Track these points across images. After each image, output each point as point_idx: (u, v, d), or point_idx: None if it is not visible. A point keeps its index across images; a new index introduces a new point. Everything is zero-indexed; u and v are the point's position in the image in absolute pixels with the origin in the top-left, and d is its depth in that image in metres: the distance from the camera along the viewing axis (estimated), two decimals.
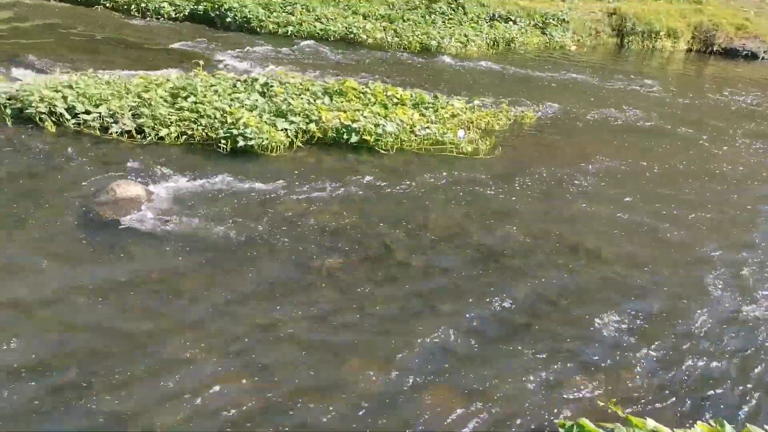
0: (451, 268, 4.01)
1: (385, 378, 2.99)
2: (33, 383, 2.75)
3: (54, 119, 5.57)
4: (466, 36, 11.88)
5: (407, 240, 4.30)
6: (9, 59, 7.38)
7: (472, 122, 6.70)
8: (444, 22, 12.66)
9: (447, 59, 10.33)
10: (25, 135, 5.37)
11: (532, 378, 3.08)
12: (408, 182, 5.16)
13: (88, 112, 5.62)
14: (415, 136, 6.05)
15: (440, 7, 13.06)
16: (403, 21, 12.35)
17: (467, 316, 3.54)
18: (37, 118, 5.54)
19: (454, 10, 13.14)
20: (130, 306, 3.33)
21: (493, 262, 4.13)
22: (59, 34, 9.32)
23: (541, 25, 13.45)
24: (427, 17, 12.72)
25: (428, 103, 6.97)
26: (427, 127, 6.18)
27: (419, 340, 3.27)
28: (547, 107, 7.79)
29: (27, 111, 5.61)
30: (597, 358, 3.28)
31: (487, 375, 3.08)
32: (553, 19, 13.57)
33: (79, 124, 5.57)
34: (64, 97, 5.76)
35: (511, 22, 13.23)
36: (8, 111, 5.63)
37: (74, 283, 3.47)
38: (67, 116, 5.60)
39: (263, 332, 3.25)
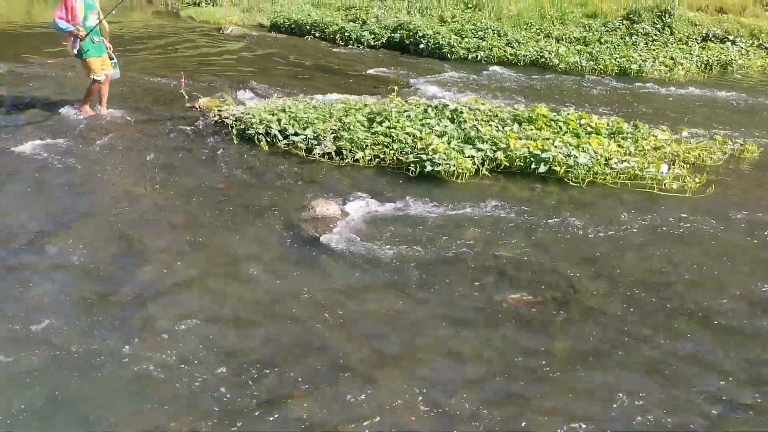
0: (649, 322, 3.62)
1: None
2: (236, 386, 3.08)
3: (268, 139, 6.28)
4: (672, 59, 10.86)
5: (598, 283, 4.00)
6: (237, 84, 8.53)
7: (678, 156, 6.05)
8: (647, 43, 11.75)
9: (649, 84, 9.53)
10: (245, 152, 6.13)
11: None
12: (601, 219, 4.82)
13: (297, 134, 6.24)
14: (611, 169, 5.65)
15: (643, 28, 12.15)
16: (600, 44, 11.72)
17: (655, 374, 3.16)
18: (256, 138, 6.29)
19: (659, 31, 12.12)
20: (322, 319, 3.58)
21: (701, 320, 3.64)
22: (276, 62, 10.56)
23: (767, 45, 11.78)
24: (627, 39, 11.92)
25: (627, 132, 6.48)
26: (625, 160, 5.73)
27: (607, 395, 3.00)
28: None
29: (248, 131, 6.41)
30: None
31: None
32: None
33: (288, 144, 6.20)
34: (279, 120, 6.47)
35: (728, 43, 11.80)
36: (234, 131, 6.49)
37: (275, 293, 3.83)
38: (280, 137, 6.28)
39: (441, 363, 3.24)
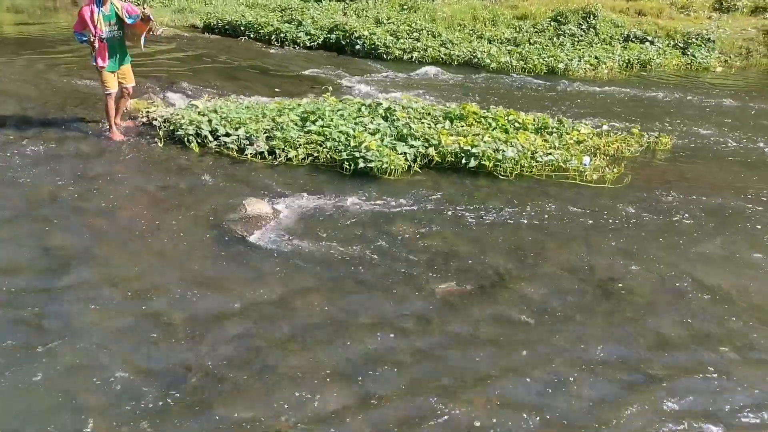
0: (568, 303, 3.80)
1: (493, 415, 2.89)
2: (153, 391, 3.01)
3: (199, 140, 6.16)
4: (596, 58, 11.40)
5: (523, 270, 4.16)
6: (167, 86, 8.31)
7: (599, 148, 6.37)
8: (573, 44, 12.26)
9: (575, 83, 9.95)
10: (174, 154, 5.99)
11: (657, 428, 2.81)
12: (526, 210, 5.01)
13: (228, 135, 6.15)
14: (536, 162, 5.88)
15: (570, 29, 12.66)
16: (530, 44, 12.14)
17: (584, 354, 3.32)
18: (186, 140, 6.16)
19: (584, 32, 12.67)
20: (253, 316, 3.55)
21: (616, 300, 3.86)
22: (208, 63, 10.35)
23: (682, 45, 12.56)
24: (555, 39, 12.39)
25: (552, 127, 6.76)
26: (549, 153, 5.98)
27: (533, 376, 3.13)
28: (685, 133, 7.20)
29: (177, 133, 6.26)
30: (728, 408, 2.92)
31: (604, 417, 2.86)
32: (697, 39, 12.60)
33: (219, 145, 6.10)
34: (209, 121, 6.36)
35: (647, 43, 12.47)
36: (161, 132, 6.33)
37: (200, 293, 3.77)
38: (210, 138, 6.17)
39: (372, 357, 3.29)
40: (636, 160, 6.27)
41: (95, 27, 5.75)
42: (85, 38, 5.84)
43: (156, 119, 6.61)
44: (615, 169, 5.79)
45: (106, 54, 5.92)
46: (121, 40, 6.04)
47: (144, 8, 5.93)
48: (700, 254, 4.43)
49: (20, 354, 3.16)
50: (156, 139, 6.26)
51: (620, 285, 4.01)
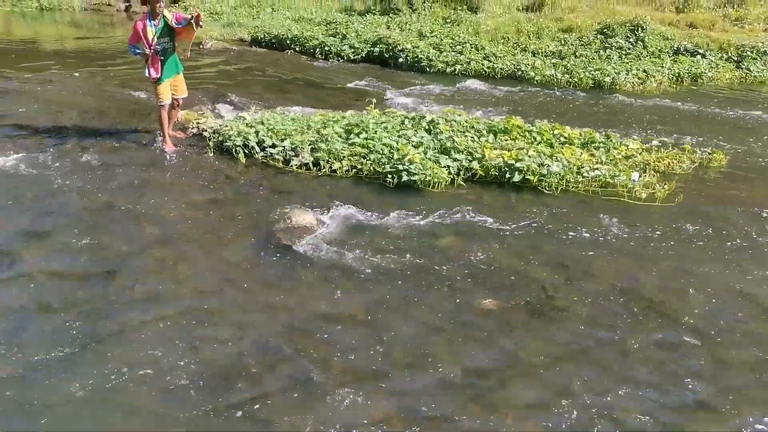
0: (616, 324, 3.70)
1: None
2: (200, 395, 3.08)
3: (246, 151, 6.31)
4: (645, 71, 11.13)
5: (569, 288, 4.07)
6: (216, 97, 8.55)
7: (648, 164, 6.20)
8: (620, 57, 12.01)
9: (622, 96, 9.75)
10: (223, 164, 6.15)
11: None
12: (572, 226, 4.92)
13: (274, 146, 6.28)
14: (583, 177, 5.77)
15: (617, 42, 12.42)
16: (575, 57, 11.97)
17: (633, 377, 3.23)
18: (234, 150, 6.32)
19: (632, 45, 12.41)
20: (295, 325, 3.60)
21: (667, 323, 3.73)
22: (255, 76, 10.60)
23: (735, 58, 12.14)
24: (601, 53, 12.18)
25: (599, 142, 6.63)
26: (596, 168, 5.86)
27: (578, 395, 3.06)
28: (740, 150, 6.95)
29: (226, 143, 6.43)
30: None
31: None
32: (752, 52, 12.16)
33: (266, 156, 6.24)
34: (257, 132, 6.51)
35: (699, 56, 12.12)
36: (210, 143, 6.51)
37: (246, 299, 3.85)
38: (257, 149, 6.31)
39: (415, 369, 3.28)
40: (688, 177, 6.07)
41: (148, 40, 5.99)
42: (139, 51, 6.08)
43: (206, 130, 6.81)
44: (666, 186, 5.63)
45: (160, 66, 6.15)
46: (173, 51, 6.26)
47: (192, 14, 6.12)
48: (759, 277, 4.25)
49: (75, 357, 3.29)
50: (206, 149, 6.45)
51: (672, 306, 3.88)
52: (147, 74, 6.21)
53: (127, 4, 19.78)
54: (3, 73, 9.84)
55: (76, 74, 9.95)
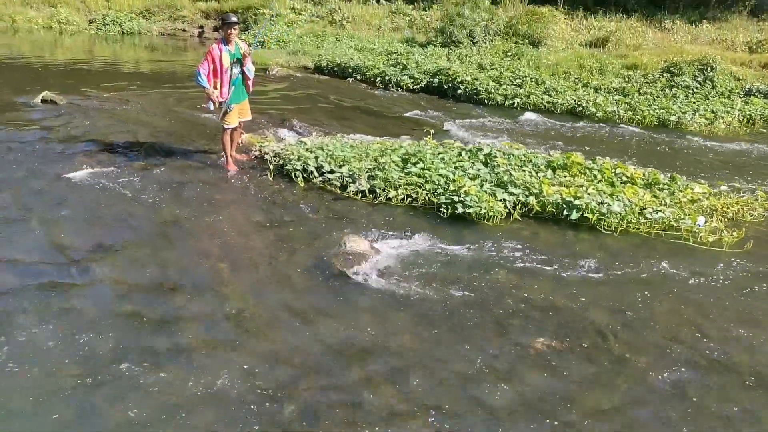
0: (680, 378, 3.52)
1: None
2: (252, 416, 3.13)
3: (305, 176, 6.47)
4: (713, 112, 10.76)
5: (627, 333, 3.93)
6: (279, 122, 8.84)
7: (716, 210, 5.95)
8: (687, 96, 11.68)
9: (688, 137, 9.44)
10: (282, 187, 6.32)
11: None
12: (632, 269, 4.76)
13: (332, 172, 6.42)
14: (645, 218, 5.59)
15: (684, 81, 12.09)
16: (639, 94, 11.72)
17: None
18: (293, 174, 6.49)
19: (700, 84, 12.05)
20: (346, 350, 3.62)
21: (732, 376, 3.53)
22: (317, 102, 10.91)
23: None
24: (667, 91, 11.88)
25: (663, 184, 6.42)
26: (660, 210, 5.68)
27: None
28: None
29: (286, 167, 6.62)
30: None
31: None
32: None
33: (324, 181, 6.37)
34: (316, 157, 6.67)
35: None
36: (271, 166, 6.72)
37: (299, 323, 3.90)
38: (316, 174, 6.47)
39: (460, 405, 3.22)
40: (760, 226, 5.78)
41: (223, 65, 6.28)
42: (203, 83, 6.29)
43: (268, 153, 7.04)
44: (734, 233, 5.38)
45: (228, 90, 6.42)
46: (242, 77, 6.54)
47: (247, 46, 6.44)
48: None
49: (135, 370, 3.41)
50: (266, 172, 6.65)
51: (738, 360, 3.68)
52: (206, 105, 6.49)
53: (201, 30, 20.86)
54: (85, 92, 10.53)
55: (151, 95, 10.53)
